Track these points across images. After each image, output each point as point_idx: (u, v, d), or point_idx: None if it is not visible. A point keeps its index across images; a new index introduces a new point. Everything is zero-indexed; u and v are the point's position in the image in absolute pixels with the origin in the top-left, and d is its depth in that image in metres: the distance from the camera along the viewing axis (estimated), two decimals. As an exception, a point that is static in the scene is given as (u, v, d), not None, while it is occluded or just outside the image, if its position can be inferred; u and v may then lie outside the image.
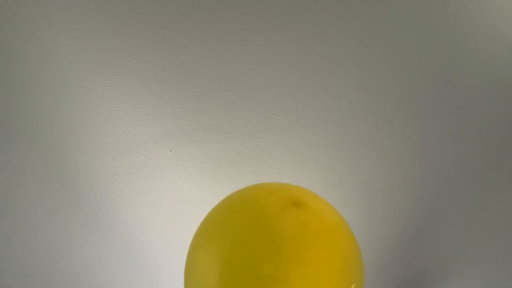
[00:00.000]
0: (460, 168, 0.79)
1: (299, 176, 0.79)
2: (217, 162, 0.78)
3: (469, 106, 0.79)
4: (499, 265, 0.78)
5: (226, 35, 0.75)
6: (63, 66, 0.73)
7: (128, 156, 0.76)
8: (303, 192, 0.51)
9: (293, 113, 0.78)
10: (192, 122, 0.77)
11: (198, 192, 0.79)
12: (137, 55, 0.74)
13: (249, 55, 0.76)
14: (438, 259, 0.80)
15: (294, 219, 0.45)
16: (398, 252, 0.80)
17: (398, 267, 0.80)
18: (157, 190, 0.78)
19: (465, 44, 0.77)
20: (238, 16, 0.75)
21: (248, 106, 0.77)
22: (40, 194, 0.75)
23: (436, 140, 0.79)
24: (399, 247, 0.80)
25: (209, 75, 0.76)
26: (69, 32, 0.73)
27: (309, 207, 0.47)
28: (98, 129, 0.75)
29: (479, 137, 0.79)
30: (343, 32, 0.76)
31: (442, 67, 0.78)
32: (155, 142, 0.77)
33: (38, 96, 0.73)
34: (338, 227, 0.48)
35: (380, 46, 0.77)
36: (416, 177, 0.79)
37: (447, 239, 0.80)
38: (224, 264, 0.44)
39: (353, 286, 0.45)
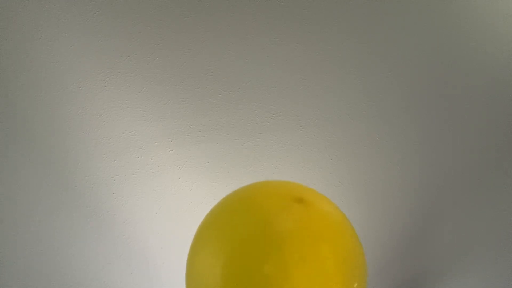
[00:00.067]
0: (460, 168, 0.79)
1: (299, 176, 0.79)
2: (217, 162, 0.78)
3: (469, 106, 0.79)
4: (499, 265, 0.78)
5: (226, 35, 0.75)
6: (63, 66, 0.73)
7: (128, 156, 0.76)
8: (305, 189, 0.50)
9: (293, 113, 0.78)
10: (192, 122, 0.77)
11: (198, 192, 0.79)
12: (137, 55, 0.74)
13: (249, 55, 0.76)
14: (438, 259, 0.80)
15: (296, 216, 0.45)
16: (398, 252, 0.80)
17: (398, 267, 0.80)
18: (157, 190, 0.78)
19: (465, 44, 0.77)
20: (238, 16, 0.75)
21: (248, 106, 0.77)
22: (40, 194, 0.75)
23: (436, 140, 0.79)
24: (399, 247, 0.80)
25: (209, 75, 0.76)
26: (69, 32, 0.73)
27: (311, 204, 0.47)
28: (98, 129, 0.75)
29: (479, 137, 0.79)
30: (343, 32, 0.77)
31: (442, 67, 0.78)
32: (155, 142, 0.77)
33: (38, 96, 0.73)
34: (341, 225, 0.48)
35: (380, 46, 0.77)
36: (416, 177, 0.79)
37: (447, 239, 0.80)
38: (225, 263, 0.43)
39: (355, 285, 0.44)
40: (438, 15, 0.77)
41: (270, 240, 0.43)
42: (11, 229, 0.75)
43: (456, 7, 0.76)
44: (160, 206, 0.78)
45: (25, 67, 0.72)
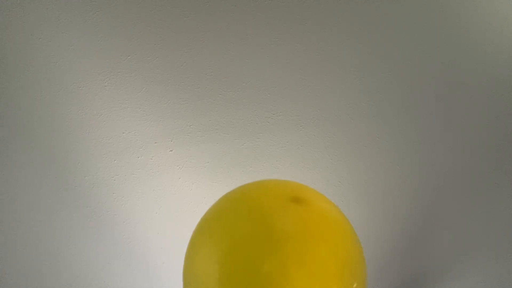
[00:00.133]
0: (460, 168, 0.79)
1: (299, 176, 0.79)
2: (217, 162, 0.78)
3: (469, 106, 0.79)
4: (499, 265, 0.78)
5: (226, 35, 0.75)
6: (63, 66, 0.73)
7: (128, 156, 0.76)
8: (304, 188, 0.50)
9: (293, 113, 0.78)
10: (192, 122, 0.77)
11: (198, 192, 0.79)
12: (137, 55, 0.74)
13: (249, 55, 0.76)
14: (438, 259, 0.80)
15: (295, 215, 0.44)
16: (398, 252, 0.80)
17: (398, 267, 0.80)
18: (157, 190, 0.78)
19: (465, 44, 0.77)
20: (238, 16, 0.75)
21: (248, 106, 0.77)
22: (40, 194, 0.75)
23: (436, 140, 0.79)
24: (399, 247, 0.80)
25: (209, 75, 0.76)
26: (69, 32, 0.73)
27: (310, 203, 0.46)
28: (98, 129, 0.75)
29: (479, 137, 0.79)
30: (343, 32, 0.77)
31: (442, 67, 0.78)
32: (155, 142, 0.77)
33: (38, 96, 0.73)
34: (340, 224, 0.47)
35: (380, 46, 0.77)
36: (416, 177, 0.79)
37: (447, 239, 0.80)
38: (223, 262, 0.43)
39: (355, 285, 0.44)
40: (438, 15, 0.77)
41: (269, 240, 0.42)
42: (11, 229, 0.75)
43: (456, 7, 0.76)
44: (160, 206, 0.78)
45: (25, 67, 0.73)
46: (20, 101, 0.73)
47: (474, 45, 0.77)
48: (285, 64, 0.77)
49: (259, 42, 0.76)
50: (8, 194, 0.74)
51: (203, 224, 0.50)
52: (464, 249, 0.80)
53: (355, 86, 0.78)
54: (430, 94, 0.78)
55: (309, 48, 0.77)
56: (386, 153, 0.79)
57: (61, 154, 0.75)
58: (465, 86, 0.78)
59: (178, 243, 0.78)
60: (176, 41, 0.75)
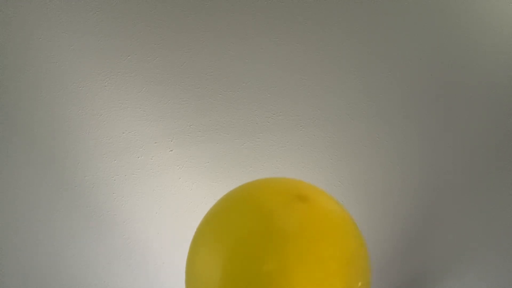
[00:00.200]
0: (460, 168, 0.79)
1: (299, 176, 0.79)
2: (217, 162, 0.78)
3: (469, 106, 0.79)
4: (498, 265, 0.78)
5: (226, 35, 0.75)
6: (63, 66, 0.73)
7: (128, 156, 0.76)
8: (308, 186, 0.49)
9: (293, 113, 0.78)
10: (192, 122, 0.77)
11: (198, 192, 0.79)
12: (137, 55, 0.74)
13: (249, 55, 0.76)
14: (438, 259, 0.80)
15: (299, 214, 0.44)
16: (398, 252, 0.80)
17: (398, 267, 0.80)
18: (157, 190, 0.78)
19: (465, 44, 0.77)
20: (238, 16, 0.75)
21: (248, 106, 0.77)
22: (40, 194, 0.75)
23: (436, 140, 0.79)
24: (399, 247, 0.80)
25: (209, 75, 0.76)
26: (69, 32, 0.73)
27: (314, 202, 0.46)
28: (98, 129, 0.75)
29: (479, 137, 0.79)
30: (343, 32, 0.76)
31: (442, 67, 0.78)
32: (155, 142, 0.77)
33: (38, 96, 0.73)
34: (344, 223, 0.47)
35: (380, 46, 0.77)
36: (416, 177, 0.79)
37: (447, 239, 0.80)
38: (225, 261, 0.42)
39: (359, 284, 0.43)
40: (438, 15, 0.77)
41: (272, 239, 0.42)
42: (11, 229, 0.75)
43: (456, 7, 0.76)
44: (160, 206, 0.78)
45: (25, 67, 0.73)
46: (20, 101, 0.73)
47: (474, 45, 0.77)
48: (285, 64, 0.77)
49: (259, 42, 0.76)
50: (8, 194, 0.74)
51: (206, 222, 0.49)
52: (464, 249, 0.80)
53: (355, 86, 0.78)
54: (430, 94, 0.78)
55: (309, 48, 0.77)
56: (386, 153, 0.79)
57: (61, 154, 0.75)
58: (465, 86, 0.78)
59: (178, 243, 0.78)
60: (176, 41, 0.75)
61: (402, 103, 0.78)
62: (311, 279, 0.41)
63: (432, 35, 0.77)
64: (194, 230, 0.50)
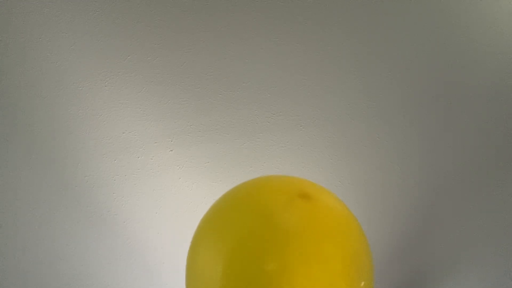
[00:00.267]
0: (460, 168, 0.79)
1: (299, 176, 0.79)
2: (217, 162, 0.78)
3: (469, 106, 0.79)
4: (498, 265, 0.78)
5: (226, 35, 0.75)
6: (63, 66, 0.73)
7: (128, 156, 0.76)
8: (311, 184, 0.49)
9: (293, 113, 0.78)
10: (192, 122, 0.77)
11: (198, 192, 0.79)
12: (137, 55, 0.74)
13: (249, 55, 0.76)
14: (438, 259, 0.80)
15: (301, 212, 0.43)
16: (398, 252, 0.80)
17: (398, 267, 0.80)
18: (157, 190, 0.78)
19: (465, 44, 0.77)
20: (238, 16, 0.75)
21: (248, 106, 0.77)
22: (40, 194, 0.75)
23: (436, 140, 0.79)
24: (399, 247, 0.80)
25: (209, 75, 0.76)
26: (69, 32, 0.73)
27: (317, 200, 0.45)
28: (98, 129, 0.75)
29: (479, 137, 0.79)
30: (343, 32, 0.76)
31: (442, 67, 0.78)
32: (155, 142, 0.77)
33: (38, 96, 0.73)
34: (347, 222, 0.46)
35: (380, 46, 0.77)
36: (416, 177, 0.79)
37: (447, 239, 0.80)
38: (226, 261, 0.42)
39: (362, 284, 0.43)
40: (438, 15, 0.77)
41: (273, 238, 0.41)
42: (11, 230, 0.75)
43: (456, 7, 0.76)
44: (160, 206, 0.78)
45: (25, 67, 0.72)
46: (20, 101, 0.73)
47: (474, 45, 0.77)
48: (285, 64, 0.77)
49: (259, 42, 0.76)
50: (8, 194, 0.74)
51: (206, 221, 0.49)
52: (464, 249, 0.80)
53: (355, 86, 0.78)
54: (430, 94, 0.78)
55: (309, 48, 0.77)
56: (386, 153, 0.79)
57: (61, 154, 0.75)
58: (465, 86, 0.78)
59: (178, 243, 0.78)
60: (176, 41, 0.75)
61: (402, 103, 0.78)
62: (313, 279, 0.40)
63: (432, 35, 0.77)
64: (194, 230, 0.50)
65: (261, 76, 0.77)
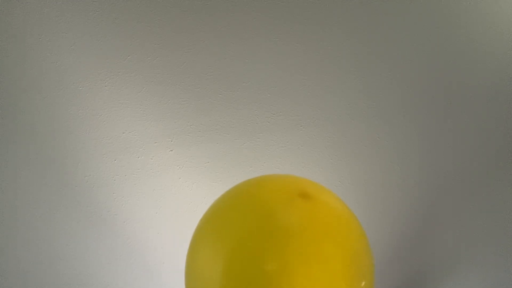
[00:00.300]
0: (460, 168, 0.79)
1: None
2: (217, 162, 0.78)
3: (469, 106, 0.79)
4: (499, 265, 0.78)
5: (226, 35, 0.75)
6: (63, 66, 0.73)
7: (128, 156, 0.76)
8: (311, 184, 0.48)
9: (293, 113, 0.78)
10: (192, 122, 0.77)
11: (198, 192, 0.79)
12: (137, 55, 0.74)
13: (249, 55, 0.76)
14: (438, 259, 0.80)
15: (301, 212, 0.43)
16: (398, 252, 0.80)
17: (398, 267, 0.80)
18: (157, 190, 0.78)
19: (465, 44, 0.77)
20: (238, 16, 0.75)
21: (248, 106, 0.77)
22: (40, 194, 0.75)
23: (436, 140, 0.79)
24: (399, 247, 0.80)
25: (209, 75, 0.76)
26: (69, 32, 0.73)
27: (317, 199, 0.45)
28: (98, 129, 0.75)
29: (479, 137, 0.79)
30: (343, 32, 0.76)
31: (442, 67, 0.78)
32: (155, 142, 0.77)
33: (38, 96, 0.73)
34: (348, 221, 0.46)
35: (380, 46, 0.77)
36: (416, 177, 0.79)
37: (447, 239, 0.80)
38: (225, 260, 0.42)
39: (363, 284, 0.43)
40: (438, 15, 0.77)
41: (273, 237, 0.41)
42: (11, 229, 0.75)
43: (456, 7, 0.76)
44: (160, 206, 0.78)
45: (25, 67, 0.72)
46: (20, 101, 0.73)
47: (474, 45, 0.77)
48: (285, 64, 0.77)
49: (259, 42, 0.76)
50: (8, 194, 0.74)
51: (206, 220, 0.48)
52: (464, 249, 0.80)
53: (355, 86, 0.78)
54: (430, 94, 0.78)
55: (309, 48, 0.77)
56: (386, 153, 0.79)
57: (61, 154, 0.75)
58: (465, 86, 0.78)
59: (178, 243, 0.78)
60: (176, 41, 0.75)
61: (402, 103, 0.78)
62: (314, 279, 0.40)
63: (432, 35, 0.77)
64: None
65: (261, 76, 0.77)
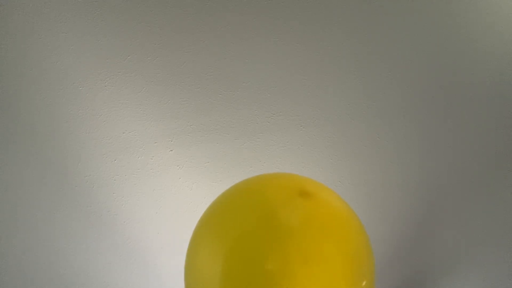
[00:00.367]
0: (460, 168, 0.79)
1: (299, 176, 0.79)
2: (217, 162, 0.78)
3: (469, 106, 0.79)
4: (499, 265, 0.78)
5: (226, 35, 0.75)
6: (63, 66, 0.73)
7: (128, 156, 0.76)
8: (311, 182, 0.48)
9: (293, 113, 0.78)
10: (192, 122, 0.77)
11: (198, 192, 0.79)
12: (137, 55, 0.74)
13: (249, 55, 0.76)
14: (438, 259, 0.80)
15: (302, 211, 0.42)
16: (398, 252, 0.80)
17: (398, 267, 0.80)
18: (157, 190, 0.78)
19: (465, 44, 0.77)
20: (238, 16, 0.75)
21: (248, 106, 0.77)
22: (40, 194, 0.75)
23: (436, 140, 0.79)
24: (399, 247, 0.80)
25: (209, 75, 0.76)
26: (69, 32, 0.73)
27: (318, 198, 0.44)
28: (98, 129, 0.75)
29: (479, 137, 0.79)
30: (343, 32, 0.76)
31: (442, 67, 0.78)
32: (155, 142, 0.77)
33: (38, 96, 0.73)
34: (349, 220, 0.46)
35: (380, 46, 0.77)
36: (416, 177, 0.79)
37: (447, 239, 0.80)
38: (225, 259, 0.42)
39: (363, 283, 0.42)
40: (438, 15, 0.77)
41: (274, 236, 0.40)
42: (11, 230, 0.75)
43: (456, 7, 0.76)
44: (160, 206, 0.78)
45: (25, 67, 0.72)
46: (20, 101, 0.73)
47: (474, 45, 0.77)
48: (285, 64, 0.77)
49: (259, 42, 0.76)
50: (8, 194, 0.74)
51: (205, 220, 0.48)
52: (464, 249, 0.80)
53: (355, 86, 0.78)
54: (430, 94, 0.78)
55: (309, 48, 0.77)
56: (386, 153, 0.79)
57: (61, 154, 0.75)
58: (465, 86, 0.78)
59: (178, 243, 0.78)
60: (176, 41, 0.75)
61: (402, 103, 0.78)
62: (314, 278, 0.40)
63: (432, 35, 0.77)
64: (194, 230, 0.50)
65: (261, 76, 0.77)
